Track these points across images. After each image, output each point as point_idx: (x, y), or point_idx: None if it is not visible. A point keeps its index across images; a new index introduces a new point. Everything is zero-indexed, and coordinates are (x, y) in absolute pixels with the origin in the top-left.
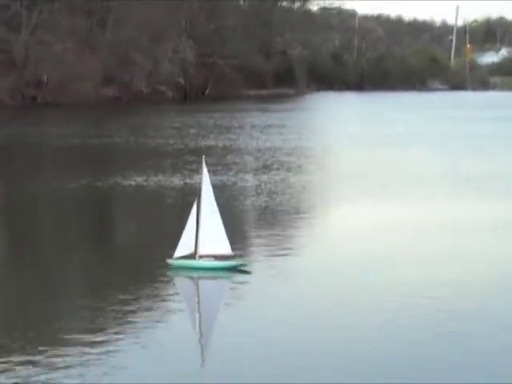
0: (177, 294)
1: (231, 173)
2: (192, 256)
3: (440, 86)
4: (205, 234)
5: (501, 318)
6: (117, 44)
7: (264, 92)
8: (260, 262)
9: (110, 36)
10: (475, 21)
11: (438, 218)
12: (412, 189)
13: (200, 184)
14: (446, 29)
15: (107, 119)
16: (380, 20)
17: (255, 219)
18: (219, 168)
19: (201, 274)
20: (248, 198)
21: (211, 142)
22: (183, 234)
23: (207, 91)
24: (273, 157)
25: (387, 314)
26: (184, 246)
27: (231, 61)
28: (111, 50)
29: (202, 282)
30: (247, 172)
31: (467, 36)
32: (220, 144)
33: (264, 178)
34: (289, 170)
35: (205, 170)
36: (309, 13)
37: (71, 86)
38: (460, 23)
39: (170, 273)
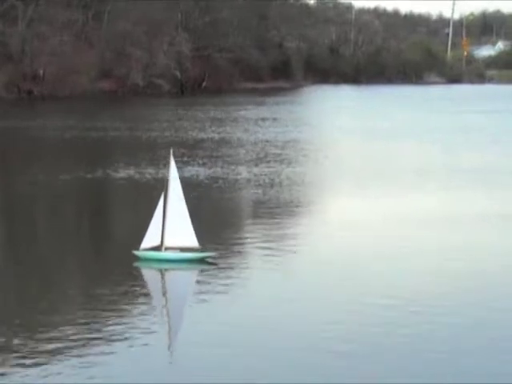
0: (141, 286)
1: (224, 165)
2: (158, 248)
3: (436, 80)
4: (171, 226)
5: (501, 313)
6: (113, 37)
7: (260, 85)
8: (235, 255)
9: (106, 29)
10: (472, 14)
11: (432, 210)
12: (406, 181)
13: (167, 176)
14: (442, 22)
15: (103, 112)
16: (376, 13)
17: (245, 211)
18: (211, 160)
19: (167, 265)
20: (240, 190)
21: (205, 135)
22: (150, 225)
23: (203, 84)
24: (266, 149)
25: (376, 308)
26: (150, 238)
27: (227, 54)
28: (107, 43)
29: (167, 274)
30: (240, 164)
31: (464, 29)
32: (214, 137)
33: (256, 170)
34: (282, 162)
35: (172, 162)
36: (305, 6)
37: (67, 79)
38: (456, 16)
39: (136, 264)
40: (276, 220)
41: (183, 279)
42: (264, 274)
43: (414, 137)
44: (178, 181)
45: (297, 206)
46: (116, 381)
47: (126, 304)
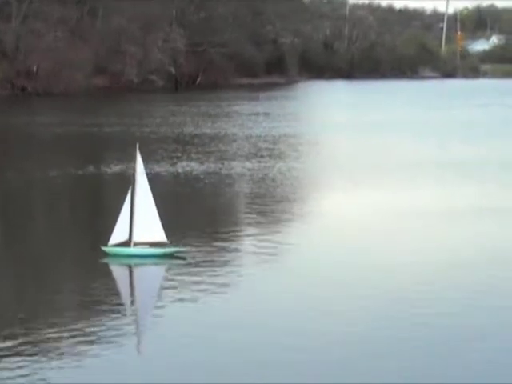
0: (110, 282)
1: (217, 160)
2: (127, 243)
3: (431, 74)
4: (139, 221)
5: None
6: (107, 33)
7: (255, 81)
8: (216, 250)
9: (100, 25)
10: (466, 8)
11: (426, 204)
12: (400, 175)
13: (134, 172)
14: (436, 17)
15: (97, 108)
16: (371, 8)
17: (237, 206)
18: (205, 156)
19: (136, 261)
20: (231, 185)
21: (199, 131)
22: (118, 221)
23: (198, 80)
24: (259, 144)
25: (363, 301)
26: (119, 234)
27: (222, 49)
28: (102, 39)
29: (136, 270)
30: (233, 160)
31: (458, 24)
32: (208, 132)
33: (249, 165)
34: (275, 157)
35: (139, 157)
36: (300, 1)
37: (62, 75)
38: (451, 11)
39: (104, 260)
40: (267, 215)
41: (152, 275)
42: (249, 270)
43: (407, 131)
44: (145, 176)
45: (288, 201)
46: (85, 380)
47: (91, 302)
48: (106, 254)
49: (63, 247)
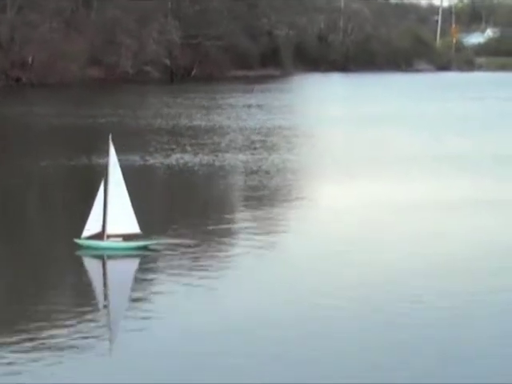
0: (82, 275)
1: (210, 152)
2: (100, 235)
3: (426, 67)
4: (112, 213)
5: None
6: (102, 25)
7: (250, 73)
8: (203, 242)
9: (95, 16)
10: (461, 1)
11: (420, 197)
12: (394, 167)
13: (107, 163)
14: (431, 9)
15: (92, 100)
16: (366, 1)
17: (230, 198)
18: (198, 147)
19: (109, 253)
20: (225, 177)
21: (192, 122)
22: (91, 213)
23: (193, 72)
24: (253, 136)
25: (356, 292)
26: (92, 226)
27: (217, 42)
28: (97, 30)
29: (108, 263)
30: (226, 152)
31: (453, 17)
32: (201, 124)
33: (242, 157)
34: (268, 149)
35: (112, 149)
36: None
37: (57, 66)
38: (445, 4)
39: (78, 253)
40: (260, 207)
41: (125, 266)
42: (242, 261)
43: (403, 124)
44: (118, 167)
45: (282, 193)
46: (57, 380)
47: (60, 294)
48: (80, 247)
49: (40, 239)
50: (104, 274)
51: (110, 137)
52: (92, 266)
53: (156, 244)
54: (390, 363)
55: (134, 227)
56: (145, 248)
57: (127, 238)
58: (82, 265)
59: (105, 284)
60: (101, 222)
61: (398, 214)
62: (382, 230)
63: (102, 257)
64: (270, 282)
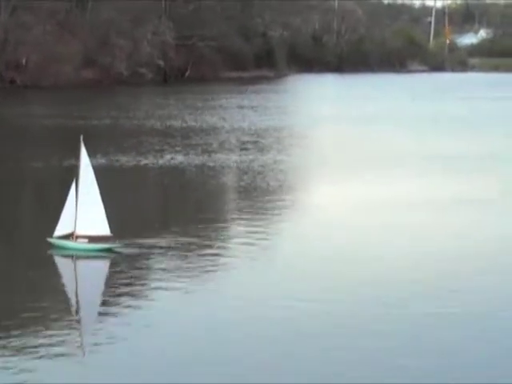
0: (50, 274)
1: (203, 153)
2: (71, 235)
3: (419, 67)
4: (82, 214)
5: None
6: (96, 26)
7: (244, 74)
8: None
9: (89, 18)
10: (454, 2)
11: (412, 196)
12: (386, 167)
13: (78, 164)
14: (424, 10)
15: (86, 101)
16: (360, 2)
17: (220, 198)
18: (191, 148)
19: (75, 253)
20: (217, 177)
21: (185, 123)
22: (62, 213)
23: (187, 73)
24: (246, 137)
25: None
26: (63, 226)
27: (211, 43)
28: (91, 32)
29: (77, 263)
30: (219, 152)
31: (446, 17)
32: (194, 125)
33: (235, 157)
34: (262, 150)
35: (83, 149)
36: None
37: (51, 68)
38: (439, 5)
39: (50, 252)
40: (252, 206)
41: (92, 267)
42: (232, 261)
43: (394, 124)
44: (90, 167)
45: (274, 193)
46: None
47: (34, 291)
48: (52, 246)
49: (16, 238)
50: (75, 275)
51: (81, 138)
52: (61, 265)
53: (120, 247)
54: (390, 364)
55: (103, 229)
56: (109, 250)
57: (96, 239)
58: (51, 264)
59: (74, 284)
60: (72, 223)
61: (391, 212)
62: (374, 228)
63: (71, 257)
64: (260, 284)
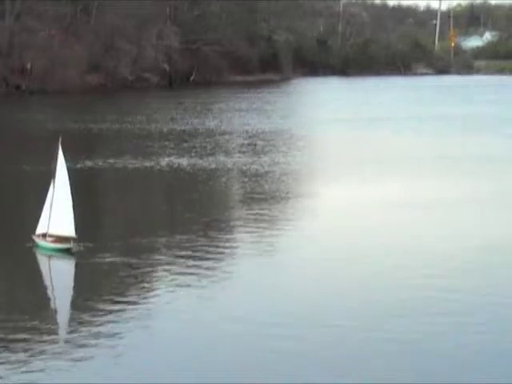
0: (47, 273)
1: (207, 155)
2: (44, 235)
3: (424, 71)
4: (55, 214)
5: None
6: (101, 31)
7: (250, 78)
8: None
9: (94, 23)
10: (459, 5)
11: (415, 196)
12: (389, 169)
13: (54, 166)
14: (429, 13)
15: (91, 106)
16: (364, 5)
17: (222, 200)
18: (194, 151)
19: (41, 252)
20: (220, 179)
21: (189, 127)
22: (42, 213)
23: (192, 77)
24: (251, 140)
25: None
26: (42, 225)
27: (216, 47)
28: (96, 36)
29: (77, 263)
30: (224, 155)
31: (451, 20)
32: (198, 128)
33: (241, 160)
34: (265, 153)
35: (60, 152)
36: None
37: (56, 73)
38: (444, 8)
39: (34, 249)
40: (255, 209)
41: (67, 267)
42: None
43: (399, 127)
44: (65, 170)
45: (278, 195)
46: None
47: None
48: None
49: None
50: (74, 275)
51: (60, 140)
52: (58, 265)
53: (79, 247)
54: (390, 363)
55: (68, 230)
56: (68, 250)
57: (63, 239)
58: (48, 263)
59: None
60: (46, 222)
61: (395, 213)
62: (379, 230)
63: (71, 257)
64: (260, 284)
